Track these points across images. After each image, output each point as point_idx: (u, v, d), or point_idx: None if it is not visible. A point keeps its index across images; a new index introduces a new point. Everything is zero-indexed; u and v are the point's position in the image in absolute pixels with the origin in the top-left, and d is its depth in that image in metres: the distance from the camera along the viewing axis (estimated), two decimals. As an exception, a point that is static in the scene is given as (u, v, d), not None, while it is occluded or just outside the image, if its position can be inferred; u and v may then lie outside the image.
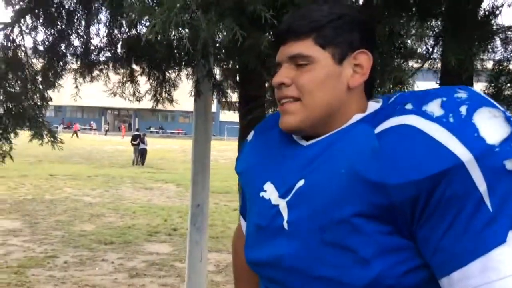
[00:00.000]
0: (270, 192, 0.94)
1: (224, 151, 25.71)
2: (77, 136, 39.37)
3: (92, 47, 3.83)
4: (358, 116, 0.91)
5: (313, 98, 0.90)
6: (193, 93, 3.45)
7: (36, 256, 6.28)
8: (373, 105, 0.94)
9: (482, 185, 0.73)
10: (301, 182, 0.88)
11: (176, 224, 8.56)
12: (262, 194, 0.95)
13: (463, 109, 0.77)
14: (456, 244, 0.75)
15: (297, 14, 0.93)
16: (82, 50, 3.80)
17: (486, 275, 0.73)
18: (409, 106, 0.83)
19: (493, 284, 0.72)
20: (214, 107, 5.97)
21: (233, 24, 1.91)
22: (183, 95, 4.42)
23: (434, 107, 0.79)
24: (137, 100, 4.40)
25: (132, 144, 20.49)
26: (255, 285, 1.05)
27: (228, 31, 1.94)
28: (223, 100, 4.23)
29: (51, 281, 5.36)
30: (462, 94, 0.80)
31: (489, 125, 0.75)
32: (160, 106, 4.43)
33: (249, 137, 1.13)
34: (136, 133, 21.90)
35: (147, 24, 2.34)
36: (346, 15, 0.92)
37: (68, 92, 4.25)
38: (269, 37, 1.95)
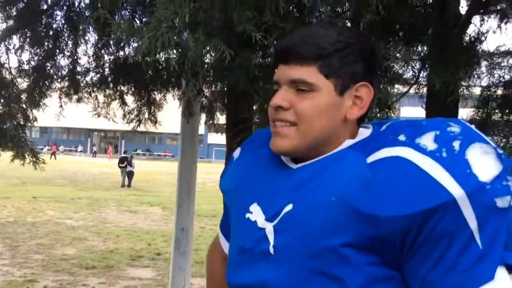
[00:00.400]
0: (256, 214, 0.92)
1: (212, 173, 25.56)
2: (55, 157, 38.85)
3: (79, 68, 3.80)
4: (349, 142, 0.90)
5: (310, 126, 0.88)
6: (182, 114, 3.42)
7: (15, 280, 6.09)
8: (364, 132, 0.93)
9: (473, 222, 0.74)
10: (289, 207, 0.86)
11: (160, 248, 8.41)
12: (248, 215, 0.93)
13: (456, 144, 0.78)
14: (445, 279, 0.76)
15: (302, 35, 0.90)
16: (68, 70, 3.77)
17: None
18: (402, 138, 0.83)
19: None
20: (202, 129, 5.94)
21: (221, 43, 1.90)
22: (170, 117, 4.40)
23: (428, 141, 0.80)
24: (127, 123, 4.36)
25: (120, 167, 20.46)
26: None
27: (216, 50, 1.92)
28: (211, 122, 4.21)
29: (29, 306, 5.19)
30: (455, 128, 0.81)
31: (481, 162, 0.76)
32: (147, 128, 4.39)
33: (236, 154, 1.10)
34: (124, 155, 21.88)
35: (135, 44, 2.33)
36: (353, 44, 0.89)
37: (54, 113, 4.20)
38: (259, 57, 1.95)
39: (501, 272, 0.75)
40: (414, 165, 0.77)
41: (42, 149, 40.02)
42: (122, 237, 9.34)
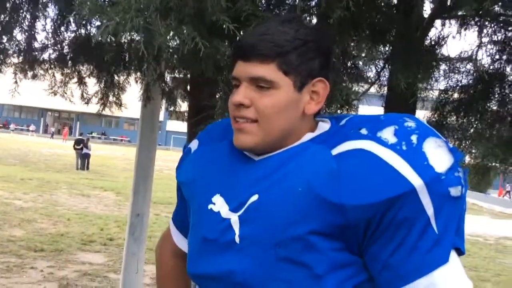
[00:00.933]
0: (219, 205, 0.93)
1: (169, 161, 25.27)
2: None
3: (37, 44, 3.65)
4: (309, 135, 0.94)
5: (271, 122, 0.91)
6: (141, 98, 3.35)
7: (-43, 261, 5.85)
8: (323, 126, 0.97)
9: (430, 209, 0.80)
10: (254, 197, 0.88)
11: (113, 234, 8.26)
12: (210, 206, 0.94)
13: (414, 138, 0.84)
14: (403, 263, 0.81)
15: (261, 33, 0.91)
16: (25, 45, 3.61)
17: None
18: (364, 131, 0.88)
19: None
20: (161, 116, 5.86)
21: (194, 32, 1.87)
22: (130, 101, 4.31)
23: (388, 134, 0.86)
24: (85, 103, 4.22)
25: (75, 149, 19.97)
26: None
27: (189, 39, 1.89)
28: (172, 108, 4.15)
29: (-28, 289, 5.00)
30: (411, 123, 0.87)
31: (437, 154, 0.83)
32: (113, 112, 4.28)
33: (193, 145, 1.10)
34: (80, 137, 21.45)
35: (98, 23, 2.26)
36: (311, 41, 0.92)
37: (7, 89, 4.01)
38: (228, 47, 1.93)
39: (453, 255, 0.82)
40: (377, 157, 0.83)
41: (-9, 126, 38.37)
42: (73, 220, 9.12)
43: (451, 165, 0.82)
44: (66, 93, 4.24)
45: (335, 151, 0.87)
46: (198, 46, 1.81)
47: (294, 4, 2.16)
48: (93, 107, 4.41)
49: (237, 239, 0.88)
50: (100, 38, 1.82)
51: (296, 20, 0.94)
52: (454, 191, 0.81)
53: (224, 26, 1.77)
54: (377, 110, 3.52)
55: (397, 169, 0.81)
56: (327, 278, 0.82)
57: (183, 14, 1.86)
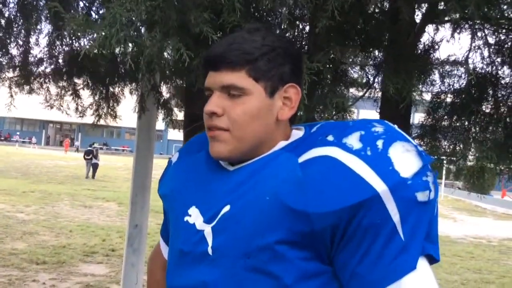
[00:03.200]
0: (194, 217, 0.93)
1: (170, 170, 25.23)
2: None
3: (31, 58, 3.67)
4: (282, 144, 0.94)
5: (244, 131, 0.91)
6: (135, 110, 3.37)
7: (-41, 276, 5.85)
8: (296, 133, 0.97)
9: (395, 215, 0.78)
10: (226, 208, 0.88)
11: (115, 244, 8.26)
12: (186, 218, 0.95)
13: (379, 143, 0.83)
14: (371, 271, 0.79)
15: (229, 42, 0.92)
16: (20, 59, 3.64)
17: None
18: (330, 138, 0.87)
19: None
20: (162, 125, 5.87)
21: (180, 44, 1.89)
22: (129, 111, 4.32)
23: (353, 140, 0.84)
24: (80, 116, 4.24)
25: (85, 159, 21.64)
26: None
27: (174, 50, 1.91)
28: (168, 118, 4.16)
29: (-27, 303, 5.00)
30: (379, 128, 0.86)
31: (403, 159, 0.81)
32: (107, 122, 4.29)
33: (173, 158, 1.12)
34: (90, 148, 22.88)
35: (89, 37, 2.28)
36: (279, 47, 0.93)
37: (4, 103, 4.04)
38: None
39: (422, 262, 0.80)
40: (341, 163, 0.82)
41: (-6, 139, 38.44)
42: (75, 232, 9.12)
43: (418, 169, 0.80)
44: (62, 106, 4.26)
45: (302, 159, 0.86)
46: (183, 57, 1.83)
47: (279, 13, 2.18)
48: (94, 118, 4.42)
49: (209, 251, 0.88)
50: (88, 52, 1.83)
51: (262, 29, 0.95)
52: (422, 196, 0.79)
53: (208, 36, 1.79)
54: (373, 114, 3.54)
55: (360, 175, 0.79)
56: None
57: (167, 26, 1.88)
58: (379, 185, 0.78)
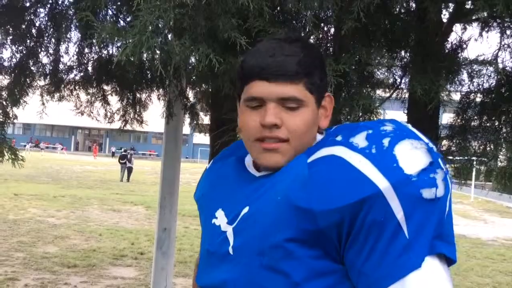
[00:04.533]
0: (220, 219, 0.97)
1: (197, 173, 25.47)
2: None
3: (62, 66, 3.77)
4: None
5: (301, 140, 0.93)
6: (163, 115, 3.42)
7: (-6, 278, 6.02)
8: (318, 137, 0.99)
9: (399, 213, 0.78)
10: (245, 209, 0.92)
11: (144, 248, 8.37)
12: (213, 220, 0.99)
13: (385, 141, 0.83)
14: (376, 269, 0.79)
15: (280, 52, 0.91)
16: (51, 68, 3.74)
17: None
18: (339, 138, 0.89)
19: None
20: (187, 129, 5.93)
21: (209, 50, 1.92)
22: (156, 116, 4.38)
23: (360, 139, 0.85)
24: (109, 122, 4.33)
25: (120, 163, 23.18)
26: None
27: (203, 56, 1.94)
28: (194, 122, 4.21)
29: (8, 305, 5.13)
30: (388, 127, 0.86)
31: (409, 156, 0.80)
32: (134, 128, 4.37)
33: (208, 165, 1.17)
34: (124, 153, 24.23)
35: (119, 44, 2.33)
36: (319, 59, 0.96)
37: (36, 110, 4.15)
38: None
39: (430, 261, 0.78)
40: (346, 162, 0.82)
41: (25, 146, 39.48)
42: (105, 236, 9.28)
43: (425, 166, 0.79)
44: (92, 112, 4.36)
45: (311, 159, 0.88)
46: (212, 62, 1.86)
47: (304, 16, 2.19)
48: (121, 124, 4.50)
49: (230, 250, 0.91)
50: (120, 59, 1.88)
51: (300, 38, 0.97)
52: (427, 193, 0.78)
53: (236, 42, 1.81)
54: (400, 116, 3.50)
55: (363, 172, 0.80)
56: (304, 286, 0.82)
57: (196, 33, 1.91)
58: (382, 182, 0.78)
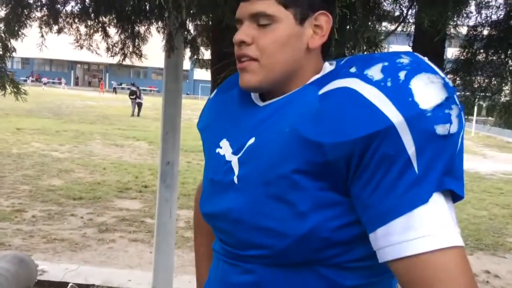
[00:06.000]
0: (225, 148, 0.97)
1: (198, 110, 25.33)
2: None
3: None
4: (313, 78, 0.94)
5: (273, 59, 0.91)
6: (164, 48, 3.35)
7: (3, 210, 6.20)
8: (328, 68, 0.96)
9: (411, 148, 0.76)
10: (251, 140, 0.92)
11: (147, 181, 8.54)
12: (218, 150, 0.99)
13: (401, 74, 0.80)
14: (383, 202, 0.78)
15: None
16: (47, -1, 3.62)
17: (406, 233, 0.76)
18: (353, 70, 0.86)
19: (410, 242, 0.76)
20: (187, 65, 5.84)
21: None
22: (156, 51, 4.29)
23: (375, 71, 0.82)
24: (111, 56, 4.25)
25: (130, 98, 24.10)
26: (211, 236, 1.09)
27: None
28: (195, 57, 4.13)
29: (18, 234, 5.32)
30: (405, 60, 0.83)
31: (425, 91, 0.78)
32: (133, 62, 4.30)
33: (211, 95, 1.16)
34: (133, 89, 24.62)
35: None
36: None
37: (35, 44, 4.07)
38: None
39: (437, 197, 0.77)
40: (359, 94, 0.80)
41: (25, 80, 39.17)
42: (109, 169, 9.44)
43: (441, 101, 0.77)
44: (92, 46, 4.27)
45: (322, 91, 0.86)
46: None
47: None
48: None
49: (235, 180, 0.92)
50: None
51: None
52: (441, 129, 0.76)
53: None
54: (405, 49, 3.43)
55: (377, 105, 0.78)
56: (310, 215, 0.84)
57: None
58: (395, 116, 0.76)
